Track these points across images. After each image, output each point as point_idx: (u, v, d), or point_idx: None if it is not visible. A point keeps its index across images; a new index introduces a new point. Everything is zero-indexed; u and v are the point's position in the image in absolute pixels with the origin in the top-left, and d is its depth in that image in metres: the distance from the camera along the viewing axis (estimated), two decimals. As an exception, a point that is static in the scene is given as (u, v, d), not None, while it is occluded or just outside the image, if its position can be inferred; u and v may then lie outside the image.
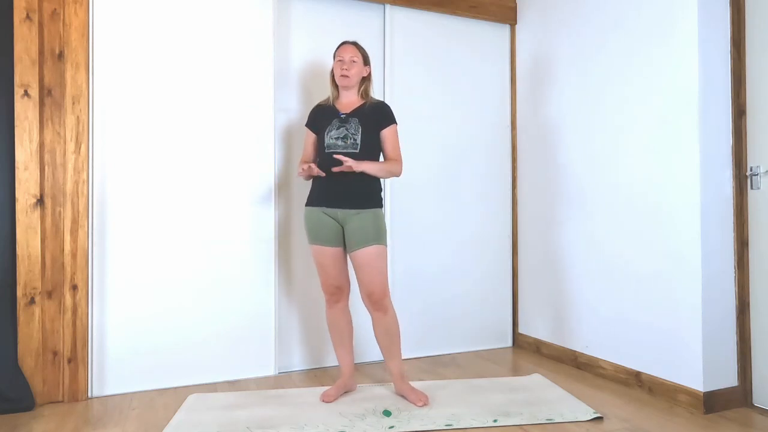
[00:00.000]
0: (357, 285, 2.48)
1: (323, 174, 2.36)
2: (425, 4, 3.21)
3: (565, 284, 3.07)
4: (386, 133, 2.46)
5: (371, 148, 2.43)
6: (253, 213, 2.84)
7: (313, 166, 2.35)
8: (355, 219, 2.37)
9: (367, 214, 2.38)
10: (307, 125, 2.55)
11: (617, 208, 2.73)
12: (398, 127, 3.09)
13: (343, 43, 2.51)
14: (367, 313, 2.46)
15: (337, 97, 2.52)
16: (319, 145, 2.46)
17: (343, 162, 2.27)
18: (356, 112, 2.44)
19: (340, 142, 2.38)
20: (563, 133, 3.09)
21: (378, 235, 2.38)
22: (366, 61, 2.50)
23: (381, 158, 2.52)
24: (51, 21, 2.46)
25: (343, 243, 2.43)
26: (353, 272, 2.48)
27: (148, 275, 2.64)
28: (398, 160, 2.48)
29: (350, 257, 2.41)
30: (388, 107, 2.51)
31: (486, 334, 3.40)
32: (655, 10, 2.53)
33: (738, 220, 2.40)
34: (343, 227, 2.41)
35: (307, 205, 2.48)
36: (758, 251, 2.38)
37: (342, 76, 2.44)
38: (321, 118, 2.49)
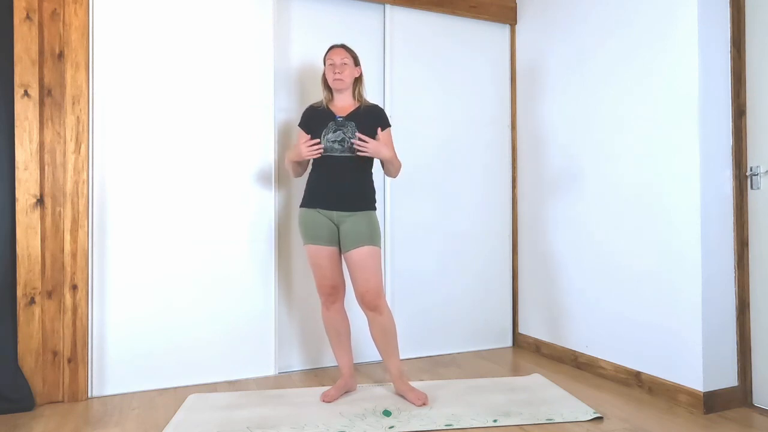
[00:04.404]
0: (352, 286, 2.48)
1: (321, 152, 2.37)
2: (425, 4, 3.21)
3: (565, 284, 3.07)
4: (383, 137, 2.48)
5: None
6: (253, 213, 2.84)
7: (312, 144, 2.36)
8: (350, 220, 2.39)
9: (361, 216, 2.40)
10: (301, 126, 2.55)
11: (617, 207, 2.73)
12: (398, 127, 3.12)
13: (332, 46, 2.51)
14: (363, 313, 2.47)
15: (330, 99, 2.53)
16: None
17: (362, 143, 2.32)
18: (352, 116, 2.45)
19: (337, 145, 2.38)
20: (563, 132, 3.09)
21: (372, 237, 2.39)
22: (356, 62, 2.51)
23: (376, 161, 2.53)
24: (51, 21, 2.46)
25: (338, 243, 2.44)
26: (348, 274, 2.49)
27: (148, 275, 2.64)
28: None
29: (344, 258, 2.42)
30: (382, 110, 2.53)
31: (486, 334, 3.40)
32: (655, 10, 2.53)
33: (738, 220, 2.40)
34: (338, 228, 2.41)
35: (302, 206, 2.49)
36: (758, 251, 2.38)
37: (335, 79, 2.44)
38: (316, 120, 2.49)
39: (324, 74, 2.52)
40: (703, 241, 2.32)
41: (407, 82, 3.21)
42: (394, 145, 2.60)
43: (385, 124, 2.50)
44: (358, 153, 2.35)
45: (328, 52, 2.50)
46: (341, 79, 2.44)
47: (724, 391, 2.34)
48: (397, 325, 2.96)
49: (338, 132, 2.41)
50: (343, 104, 2.50)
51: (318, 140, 2.37)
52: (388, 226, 3.13)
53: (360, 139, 2.33)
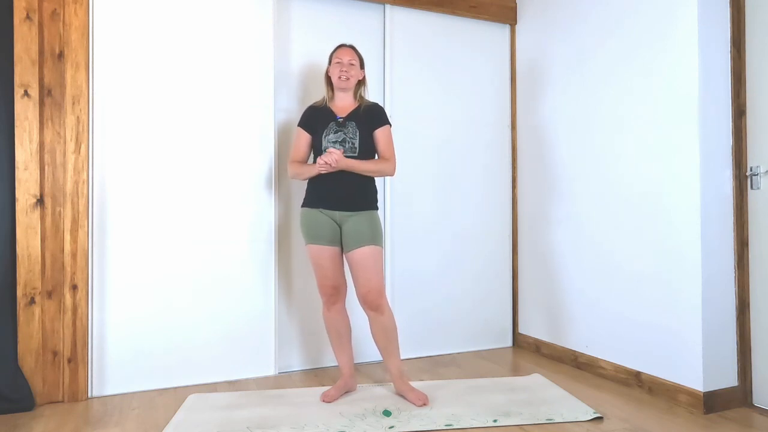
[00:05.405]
0: (353, 286, 2.48)
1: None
2: (425, 4, 3.21)
3: (565, 284, 3.07)
4: (379, 134, 2.48)
5: (369, 151, 2.46)
6: (253, 213, 2.84)
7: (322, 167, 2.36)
8: (352, 220, 2.39)
9: (363, 216, 2.40)
10: (301, 125, 2.55)
11: (617, 207, 2.73)
12: (398, 126, 3.12)
13: (341, 45, 2.52)
14: (364, 312, 2.47)
15: (332, 98, 2.53)
16: (316, 147, 2.47)
17: (328, 160, 2.30)
18: (353, 116, 2.46)
19: (338, 146, 2.39)
20: (563, 132, 3.09)
21: (374, 236, 2.39)
22: (362, 65, 2.53)
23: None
24: (51, 21, 2.46)
25: (341, 243, 2.44)
26: (349, 274, 2.48)
27: (148, 275, 2.64)
28: (390, 160, 2.49)
29: (346, 258, 2.43)
30: (381, 108, 2.54)
31: (486, 334, 3.40)
32: (655, 10, 2.53)
33: (738, 220, 2.40)
34: (340, 227, 2.41)
35: (303, 206, 2.49)
36: (758, 251, 2.38)
37: (341, 78, 2.44)
38: (316, 120, 2.49)
39: (327, 71, 2.53)
40: (703, 241, 2.32)
41: (407, 82, 3.21)
42: (395, 145, 2.60)
43: (383, 121, 2.50)
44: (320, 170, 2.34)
45: (337, 49, 2.51)
46: (348, 78, 2.45)
47: (724, 391, 2.34)
48: (398, 325, 2.96)
49: (339, 132, 2.41)
50: (344, 104, 2.50)
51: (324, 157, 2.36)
52: (388, 226, 3.13)
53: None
